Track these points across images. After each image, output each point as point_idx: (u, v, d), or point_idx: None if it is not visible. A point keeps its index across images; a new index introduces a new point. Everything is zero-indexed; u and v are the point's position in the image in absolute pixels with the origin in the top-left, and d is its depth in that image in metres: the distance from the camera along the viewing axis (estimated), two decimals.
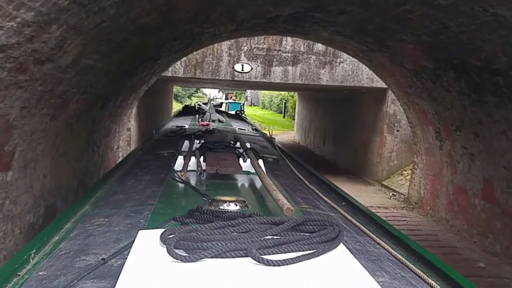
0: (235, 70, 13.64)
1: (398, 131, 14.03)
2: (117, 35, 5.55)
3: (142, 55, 7.60)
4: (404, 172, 13.62)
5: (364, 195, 12.35)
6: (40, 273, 2.03)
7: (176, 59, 10.40)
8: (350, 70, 13.83)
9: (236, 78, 13.70)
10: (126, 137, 13.22)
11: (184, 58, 13.34)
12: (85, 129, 7.55)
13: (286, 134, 32.22)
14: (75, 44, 4.71)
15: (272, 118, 44.98)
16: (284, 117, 46.30)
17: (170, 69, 13.35)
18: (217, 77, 13.68)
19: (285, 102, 47.17)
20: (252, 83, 15.57)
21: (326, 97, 20.88)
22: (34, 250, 2.28)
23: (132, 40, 6.26)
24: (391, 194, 12.87)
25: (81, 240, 2.46)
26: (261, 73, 13.73)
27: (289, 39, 13.69)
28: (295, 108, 43.79)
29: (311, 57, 13.80)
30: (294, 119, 43.16)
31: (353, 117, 16.88)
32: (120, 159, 10.97)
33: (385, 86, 13.64)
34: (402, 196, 12.45)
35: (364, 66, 13.49)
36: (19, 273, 2.04)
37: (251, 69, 13.65)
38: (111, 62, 6.34)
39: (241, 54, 13.66)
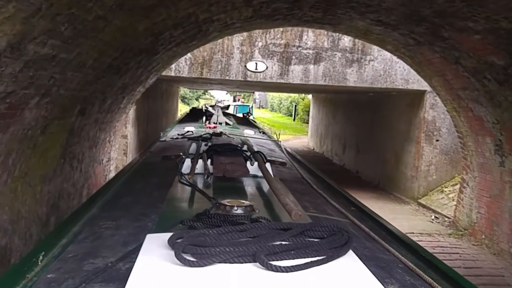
0: (248, 69, 11.84)
1: (437, 140, 12.16)
2: (85, 11, 3.76)
3: (132, 46, 5.80)
4: (445, 189, 11.74)
5: (401, 217, 10.48)
6: (49, 275, 2.03)
7: (179, 54, 8.60)
8: (382, 70, 11.99)
9: (248, 79, 11.91)
10: (122, 145, 11.45)
11: (189, 55, 11.55)
12: (57, 141, 5.76)
13: (298, 139, 30.37)
14: (6, 17, 2.91)
15: (282, 122, 43.47)
16: (294, 120, 45.06)
17: (174, 67, 11.57)
18: (227, 77, 11.89)
19: (295, 105, 46.10)
20: (266, 84, 13.75)
21: (346, 99, 19.04)
22: (43, 253, 2.26)
23: (113, 21, 4.46)
24: (433, 217, 10.97)
25: (89, 243, 2.47)
26: (277, 72, 11.91)
27: (310, 33, 11.87)
28: (306, 111, 42.86)
29: (336, 54, 11.97)
30: (305, 122, 42.05)
31: (381, 122, 15.02)
32: (112, 173, 9.25)
33: (422, 88, 11.83)
34: (446, 219, 10.56)
35: (398, 65, 11.70)
36: (27, 276, 2.02)
37: (266, 68, 11.85)
38: (84, 52, 4.55)
39: (254, 51, 11.85)
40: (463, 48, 7.16)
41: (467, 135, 9.25)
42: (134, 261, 1.75)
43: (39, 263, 2.18)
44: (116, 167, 11.02)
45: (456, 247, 8.92)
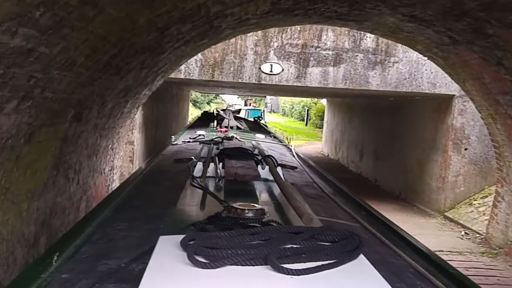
0: (262, 72, 11.06)
1: (466, 149, 11.29)
2: None
3: (133, 42, 5.04)
4: (474, 202, 10.86)
5: (427, 232, 9.62)
6: (63, 276, 2.06)
7: (188, 54, 7.84)
8: (407, 72, 11.15)
9: (263, 81, 11.13)
10: (128, 152, 10.72)
11: (200, 56, 10.81)
12: (48, 151, 5.01)
13: (312, 144, 29.53)
14: None
15: (294, 126, 42.81)
16: (306, 125, 44.48)
17: (183, 69, 10.83)
18: (239, 80, 11.12)
19: (307, 109, 45.53)
20: (282, 88, 12.95)
21: (364, 104, 18.20)
22: (57, 253, 2.28)
23: (106, 10, 3.70)
24: (462, 233, 10.08)
25: (102, 244, 2.51)
26: (294, 75, 11.12)
27: (330, 32, 11.08)
28: (318, 115, 42.19)
29: (357, 55, 11.15)
30: (317, 127, 41.36)
31: (403, 129, 14.16)
32: (116, 183, 8.51)
33: (451, 92, 10.98)
34: (477, 235, 9.67)
35: (424, 67, 10.86)
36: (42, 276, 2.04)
37: (282, 70, 11.06)
38: (72, 47, 3.79)
39: (269, 51, 11.07)
40: (509, 47, 6.33)
41: (504, 145, 8.38)
42: (147, 262, 1.75)
43: (54, 263, 2.19)
44: (121, 176, 10.28)
45: (491, 268, 8.06)
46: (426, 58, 11.02)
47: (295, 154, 6.76)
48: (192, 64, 10.87)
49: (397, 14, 6.79)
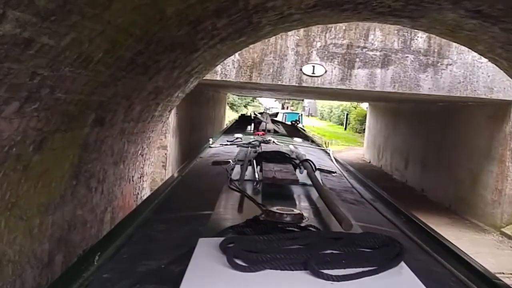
0: (304, 73, 10.36)
1: None
2: None
3: (162, 37, 4.43)
4: None
5: (484, 251, 8.73)
6: (104, 275, 2.08)
7: (224, 54, 7.21)
8: (461, 76, 10.24)
9: (304, 84, 10.42)
10: (161, 157, 10.19)
11: (237, 56, 10.20)
12: (65, 159, 4.47)
13: (352, 150, 28.59)
14: None
15: (333, 131, 41.97)
16: (345, 129, 43.57)
17: (219, 70, 10.23)
18: (279, 82, 10.44)
19: (347, 113, 44.66)
20: (324, 91, 12.21)
21: (409, 109, 17.27)
22: (99, 253, 2.31)
23: None
24: None
25: (142, 245, 2.53)
26: (338, 77, 10.37)
27: (378, 31, 10.29)
28: (358, 120, 41.16)
29: (407, 56, 10.32)
30: (357, 132, 40.33)
31: (453, 136, 13.21)
32: (146, 191, 7.97)
33: (510, 98, 10.02)
34: None
35: (481, 70, 9.95)
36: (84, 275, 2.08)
37: (325, 71, 10.34)
38: (85, 39, 3.19)
39: (312, 52, 10.36)
40: None
41: None
42: (186, 264, 1.76)
43: (95, 263, 2.22)
44: (152, 182, 9.76)
45: None
46: (483, 61, 10.11)
47: (333, 159, 6.61)
48: (229, 65, 10.27)
49: (459, 10, 5.97)
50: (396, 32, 10.30)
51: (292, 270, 1.69)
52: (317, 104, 58.77)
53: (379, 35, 10.30)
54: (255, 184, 3.77)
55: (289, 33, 10.21)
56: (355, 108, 43.28)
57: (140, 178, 7.60)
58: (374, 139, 23.03)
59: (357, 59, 10.33)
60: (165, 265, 2.03)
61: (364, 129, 39.21)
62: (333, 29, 10.24)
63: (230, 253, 1.73)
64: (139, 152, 7.18)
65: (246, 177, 3.92)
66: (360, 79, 10.33)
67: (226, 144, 7.23)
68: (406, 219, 3.60)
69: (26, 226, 4.04)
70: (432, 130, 15.08)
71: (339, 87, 10.35)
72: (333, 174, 5.10)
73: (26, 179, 3.81)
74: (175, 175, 5.10)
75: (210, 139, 7.80)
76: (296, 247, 1.85)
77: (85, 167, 5.03)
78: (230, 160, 4.97)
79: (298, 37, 10.24)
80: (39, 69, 2.96)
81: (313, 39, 10.28)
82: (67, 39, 2.95)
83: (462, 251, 2.80)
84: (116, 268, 2.16)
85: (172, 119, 10.41)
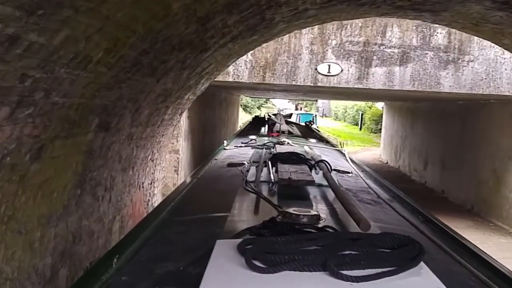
0: (319, 73, 10.01)
1: None
2: None
3: (169, 36, 4.13)
4: None
5: None
6: (122, 278, 2.08)
7: (236, 53, 6.91)
8: (484, 72, 9.80)
9: (319, 84, 10.07)
10: (173, 162, 9.91)
11: (250, 57, 9.88)
12: (68, 167, 4.19)
13: (369, 151, 28.13)
14: None
15: (348, 131, 41.52)
16: (360, 129, 43.09)
17: (232, 71, 9.93)
18: (293, 82, 10.10)
19: (361, 113, 44.11)
20: (341, 91, 11.84)
21: (427, 108, 16.83)
22: (117, 256, 2.31)
23: None
24: None
25: (160, 247, 2.54)
26: (354, 76, 10.01)
27: (395, 28, 9.90)
28: (373, 120, 40.61)
29: (427, 53, 9.92)
30: (372, 132, 39.80)
31: (475, 136, 12.76)
32: (157, 197, 7.69)
33: None
34: None
35: (504, 66, 9.55)
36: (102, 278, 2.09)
37: (341, 70, 9.97)
38: (82, 37, 2.90)
39: (327, 50, 10.01)
40: None
41: None
42: (204, 266, 1.75)
43: (113, 265, 2.22)
44: (165, 187, 9.49)
45: None
46: (506, 56, 9.68)
47: (348, 159, 6.54)
48: (241, 66, 9.96)
49: (485, 1, 5.61)
50: (414, 28, 9.91)
51: (311, 271, 1.68)
52: (331, 104, 58.24)
53: (397, 32, 9.92)
54: (270, 185, 3.76)
55: (303, 31, 9.87)
56: (370, 108, 42.83)
57: (150, 184, 7.32)
58: (391, 139, 22.56)
59: (375, 57, 9.95)
60: (183, 267, 2.03)
61: (380, 129, 38.77)
62: (348, 26, 9.88)
63: (249, 254, 1.73)
64: (149, 157, 6.90)
65: (261, 179, 3.91)
66: (377, 77, 9.95)
67: (241, 146, 7.20)
68: (424, 219, 3.56)
69: (25, 240, 3.76)
70: (451, 130, 14.63)
71: (356, 86, 9.98)
72: (349, 175, 5.09)
73: (23, 190, 3.53)
74: (190, 178, 5.09)
75: (225, 141, 7.78)
76: (314, 248, 1.84)
77: (91, 175, 4.75)
78: (245, 162, 4.98)
79: (312, 35, 9.90)
80: (29, 71, 2.67)
81: (328, 37, 9.93)
82: (60, 36, 2.66)
83: (482, 250, 2.77)
84: (135, 270, 2.18)
85: (183, 122, 10.13)
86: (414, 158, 18.30)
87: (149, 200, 7.27)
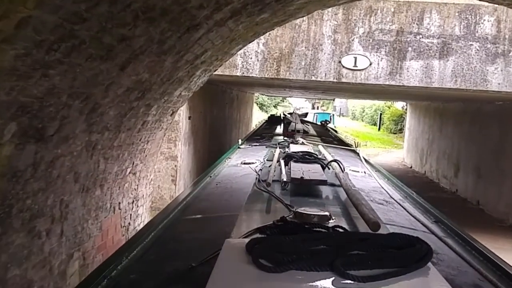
0: (343, 67, 8.45)
1: None
2: None
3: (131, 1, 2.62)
4: None
5: None
6: (131, 276, 2.12)
7: (241, 37, 5.36)
8: None
9: (344, 80, 8.51)
10: (170, 170, 8.43)
11: (262, 47, 8.37)
12: None
13: (390, 153, 26.44)
14: None
15: (366, 131, 39.91)
16: (379, 129, 41.69)
17: (240, 63, 8.43)
18: (313, 78, 8.56)
19: (380, 113, 42.74)
20: (369, 88, 10.22)
21: (459, 108, 15.24)
22: (126, 254, 2.35)
23: None
24: None
25: (170, 245, 2.58)
26: (385, 70, 8.42)
27: (435, 14, 8.31)
28: (393, 120, 38.99)
29: (471, 45, 8.30)
30: (392, 132, 38.18)
31: None
32: (144, 217, 6.24)
33: None
34: None
35: None
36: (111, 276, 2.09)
37: (370, 64, 8.41)
38: None
39: (353, 40, 8.44)
40: None
41: None
42: (213, 265, 1.75)
43: (122, 263, 2.24)
44: (160, 200, 8.03)
45: None
46: None
47: (362, 159, 6.50)
48: (251, 58, 8.44)
49: None
50: (457, 14, 8.31)
51: (318, 271, 1.65)
52: (348, 103, 56.67)
53: (437, 19, 8.31)
54: (283, 184, 3.75)
55: (325, 17, 8.33)
56: (389, 107, 41.49)
57: (132, 203, 5.83)
58: (415, 142, 20.85)
59: (410, 48, 8.35)
60: (192, 266, 2.03)
61: (400, 130, 37.22)
62: (379, 11, 8.31)
63: (256, 253, 1.72)
64: (128, 170, 5.41)
65: (274, 178, 3.88)
66: (413, 72, 8.36)
67: (255, 145, 7.28)
68: (436, 219, 3.54)
69: None
70: (488, 133, 12.99)
71: (387, 83, 8.39)
72: (362, 174, 5.13)
73: None
74: (204, 175, 4.99)
75: (239, 140, 7.83)
76: (322, 247, 1.82)
77: (20, 205, 3.26)
78: (259, 161, 5.13)
79: (335, 22, 8.33)
80: None
81: (354, 24, 8.36)
82: None
83: (492, 252, 2.72)
84: (144, 269, 2.20)
85: (183, 124, 8.64)
86: (443, 164, 16.61)
87: (129, 223, 5.77)
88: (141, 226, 5.87)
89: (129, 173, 5.48)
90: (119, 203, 5.37)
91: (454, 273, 2.21)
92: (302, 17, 6.32)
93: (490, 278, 2.23)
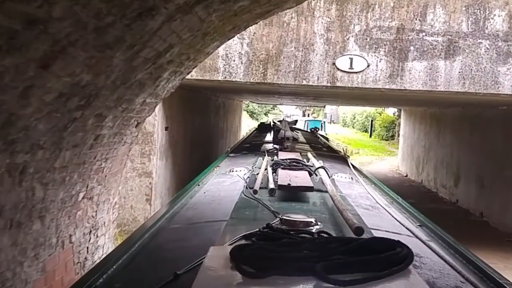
0: (338, 69, 7.56)
1: None
2: None
3: None
4: None
5: None
6: (117, 285, 2.10)
7: (217, 31, 4.40)
8: None
9: (338, 83, 7.62)
10: (144, 188, 7.45)
11: (246, 48, 7.46)
12: None
13: (383, 160, 25.60)
14: None
15: (358, 138, 39.41)
16: (370, 136, 41.35)
17: (222, 67, 7.51)
18: (304, 82, 7.64)
19: (371, 120, 42.39)
20: (367, 93, 9.30)
21: (457, 114, 14.48)
22: (112, 262, 2.35)
23: None
24: None
25: (156, 254, 2.58)
26: (385, 73, 7.54)
27: (439, 9, 7.45)
28: (384, 126, 38.40)
29: (480, 43, 7.44)
30: (383, 139, 37.55)
31: None
32: (106, 247, 5.27)
33: None
34: None
35: None
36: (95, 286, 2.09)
37: (367, 66, 7.52)
38: None
39: (348, 39, 7.54)
40: None
41: None
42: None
43: (109, 272, 2.23)
44: (133, 222, 7.06)
45: None
46: None
47: (350, 165, 6.59)
48: (234, 60, 7.52)
49: None
50: (464, 9, 7.45)
51: (300, 276, 1.66)
52: (338, 110, 56.14)
53: (441, 14, 7.45)
54: (270, 191, 3.77)
55: (316, 13, 7.43)
56: (380, 114, 41.12)
57: (89, 234, 4.83)
58: (411, 150, 20.02)
59: (412, 48, 7.47)
60: (176, 274, 2.03)
61: (392, 136, 36.59)
62: (376, 6, 7.43)
63: (239, 260, 1.73)
64: (81, 195, 4.43)
65: (262, 185, 3.93)
66: (416, 75, 7.47)
67: (244, 152, 7.32)
68: (420, 223, 3.56)
69: None
70: (491, 141, 12.20)
71: (387, 86, 7.49)
72: (349, 180, 5.21)
73: None
74: (190, 185, 4.93)
75: (228, 148, 7.94)
76: (305, 253, 1.83)
77: None
78: (247, 169, 5.17)
79: (328, 19, 7.44)
80: None
81: (349, 21, 7.47)
82: None
83: (475, 255, 2.76)
84: (129, 277, 2.21)
85: (158, 135, 7.68)
86: (441, 172, 15.77)
87: (86, 258, 4.78)
88: (104, 255, 4.92)
89: (83, 198, 4.50)
90: (70, 235, 4.38)
91: (436, 276, 2.27)
92: (290, 7, 5.38)
93: (471, 280, 2.26)
